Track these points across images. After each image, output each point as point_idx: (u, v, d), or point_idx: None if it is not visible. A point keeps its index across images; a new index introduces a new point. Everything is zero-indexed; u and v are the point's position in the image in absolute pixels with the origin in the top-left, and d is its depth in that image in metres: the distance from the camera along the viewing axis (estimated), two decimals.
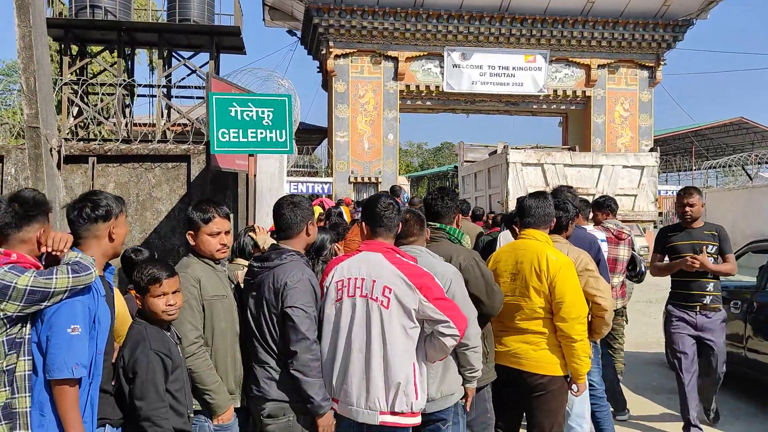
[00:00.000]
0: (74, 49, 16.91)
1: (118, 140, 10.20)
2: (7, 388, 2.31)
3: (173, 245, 8.98)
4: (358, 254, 3.01)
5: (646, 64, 22.20)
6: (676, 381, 5.16)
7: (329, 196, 18.45)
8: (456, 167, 24.07)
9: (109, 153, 9.34)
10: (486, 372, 3.48)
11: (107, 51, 18.45)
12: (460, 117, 26.53)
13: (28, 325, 2.34)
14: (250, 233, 3.87)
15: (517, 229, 4.28)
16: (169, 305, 2.78)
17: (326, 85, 22.76)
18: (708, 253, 4.93)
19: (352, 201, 14.70)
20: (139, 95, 18.75)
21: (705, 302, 5.00)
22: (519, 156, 13.27)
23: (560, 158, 13.43)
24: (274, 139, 6.65)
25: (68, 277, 2.28)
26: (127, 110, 17.78)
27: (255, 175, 7.79)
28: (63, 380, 2.30)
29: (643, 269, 5.70)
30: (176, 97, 18.81)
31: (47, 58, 4.45)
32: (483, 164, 15.66)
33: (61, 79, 14.76)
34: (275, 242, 3.14)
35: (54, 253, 2.39)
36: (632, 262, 5.60)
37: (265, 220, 9.37)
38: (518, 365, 3.58)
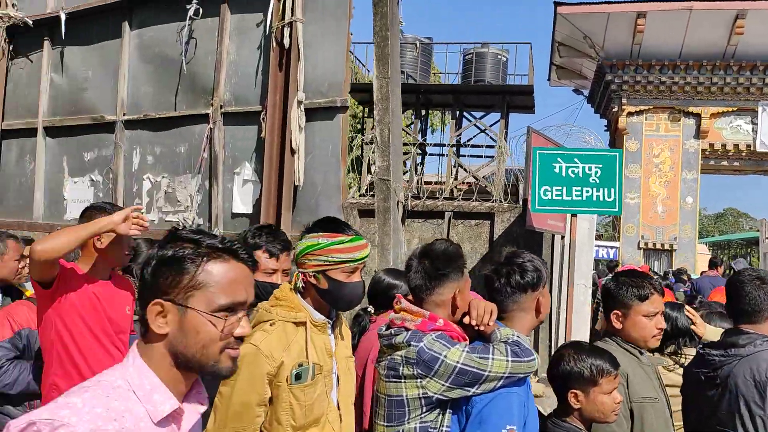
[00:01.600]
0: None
1: (417, 197, 10.42)
2: None
3: None
4: None
5: None
6: None
7: (616, 262, 17.08)
8: (744, 239, 21.38)
9: (415, 208, 9.45)
10: None
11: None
12: (754, 179, 23.03)
13: (447, 415, 1.87)
14: (687, 313, 3.13)
15: None
16: (617, 403, 2.17)
17: (614, 143, 21.49)
18: None
19: (650, 269, 13.35)
20: (429, 154, 19.49)
21: None
22: None
23: None
24: (600, 198, 6.00)
25: (507, 361, 1.80)
26: (419, 168, 18.56)
27: (565, 237, 7.20)
28: None
29: None
30: (463, 155, 19.19)
31: (399, 110, 4.41)
32: None
33: (363, 138, 15.82)
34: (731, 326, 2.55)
35: (479, 327, 1.93)
36: None
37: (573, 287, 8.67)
38: None
